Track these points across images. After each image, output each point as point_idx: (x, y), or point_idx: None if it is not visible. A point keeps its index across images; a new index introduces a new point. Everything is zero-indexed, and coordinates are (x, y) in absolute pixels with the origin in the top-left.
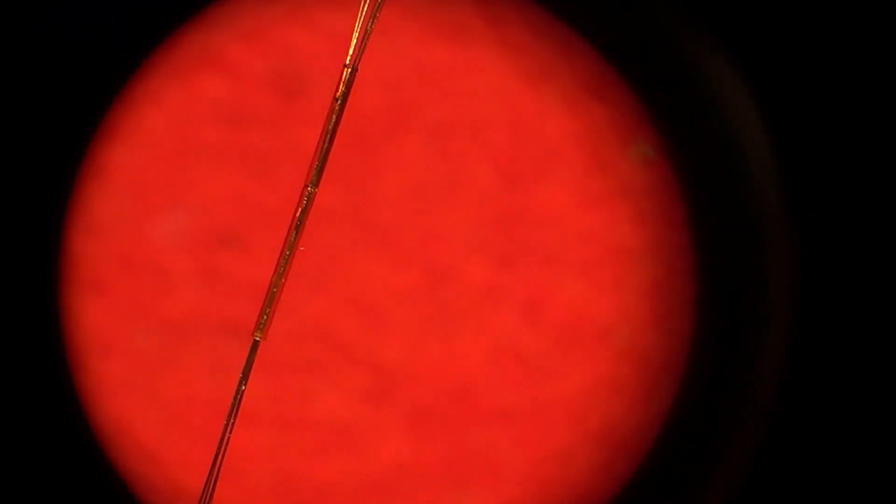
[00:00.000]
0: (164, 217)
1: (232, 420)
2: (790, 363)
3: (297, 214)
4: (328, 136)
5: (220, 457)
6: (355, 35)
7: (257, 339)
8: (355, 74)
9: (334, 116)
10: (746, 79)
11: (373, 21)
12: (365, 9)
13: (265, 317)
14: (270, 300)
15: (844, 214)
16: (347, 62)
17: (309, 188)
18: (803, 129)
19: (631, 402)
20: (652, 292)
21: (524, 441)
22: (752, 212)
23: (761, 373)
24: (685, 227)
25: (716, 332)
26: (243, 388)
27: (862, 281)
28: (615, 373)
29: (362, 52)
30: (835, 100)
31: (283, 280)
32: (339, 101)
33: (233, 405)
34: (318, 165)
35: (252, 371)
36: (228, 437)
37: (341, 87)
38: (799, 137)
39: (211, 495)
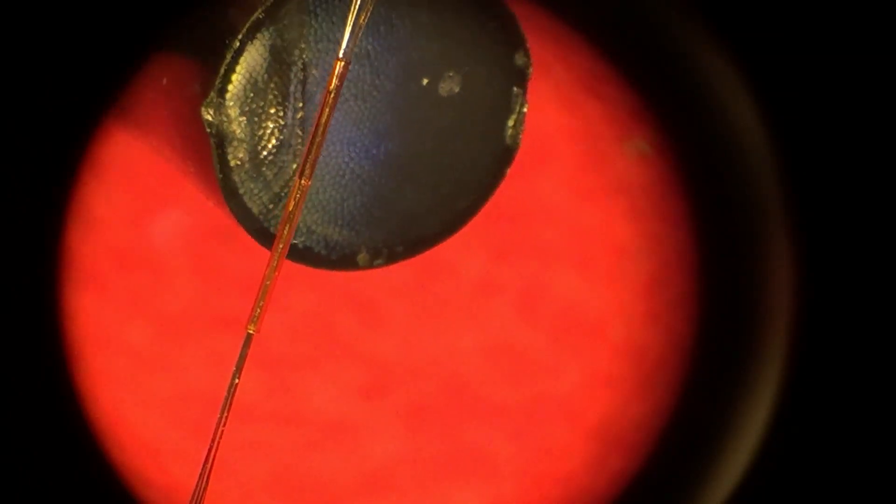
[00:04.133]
0: (161, 212)
1: (225, 414)
2: (790, 359)
3: (290, 208)
4: (321, 128)
5: (212, 451)
6: (348, 28)
7: (251, 332)
8: (348, 68)
9: (327, 109)
10: (744, 74)
11: (366, 15)
12: (358, 2)
13: (258, 310)
14: (264, 294)
15: (844, 210)
16: (340, 55)
17: (301, 181)
18: (802, 125)
19: (627, 398)
20: (648, 288)
21: (520, 437)
22: (751, 207)
23: (760, 369)
24: (682, 222)
25: (714, 329)
26: (236, 381)
27: (863, 278)
28: (611, 369)
29: (355, 46)
30: (835, 97)
31: (277, 274)
32: (332, 95)
33: (226, 399)
34: (310, 158)
35: (247, 366)
36: (222, 431)
37: (334, 81)
38: (798, 133)
39: (204, 490)
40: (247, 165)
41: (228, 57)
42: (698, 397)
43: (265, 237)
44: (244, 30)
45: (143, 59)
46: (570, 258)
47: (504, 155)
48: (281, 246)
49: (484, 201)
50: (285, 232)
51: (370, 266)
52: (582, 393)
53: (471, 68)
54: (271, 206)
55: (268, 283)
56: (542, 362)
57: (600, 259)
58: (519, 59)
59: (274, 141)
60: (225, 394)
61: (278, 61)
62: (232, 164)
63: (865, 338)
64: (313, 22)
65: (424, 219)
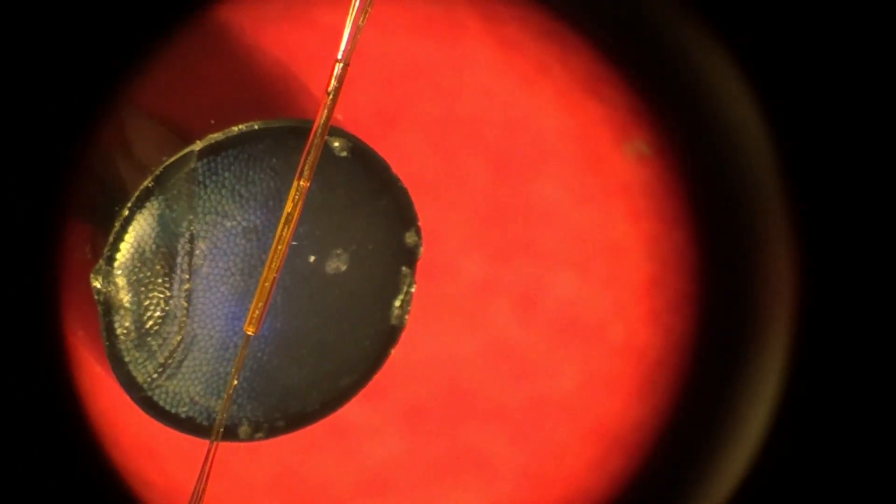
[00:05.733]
0: None
1: (224, 414)
2: (790, 360)
3: (288, 209)
4: (319, 130)
5: (211, 452)
6: (347, 29)
7: (249, 333)
8: (347, 69)
9: (325, 111)
10: (744, 75)
11: (364, 15)
12: (357, 3)
13: (256, 311)
14: (262, 295)
15: (845, 211)
16: (339, 57)
17: (300, 182)
18: (803, 125)
19: (626, 399)
20: (648, 289)
21: (519, 438)
22: (750, 208)
23: (760, 370)
24: (681, 223)
25: (714, 329)
26: (235, 382)
27: (864, 278)
28: (611, 369)
29: (353, 47)
30: (836, 97)
31: (275, 275)
32: (330, 96)
33: (226, 400)
34: (308, 160)
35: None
36: (220, 433)
37: (333, 82)
38: (798, 134)
39: (203, 491)
40: (132, 335)
41: (117, 225)
42: (698, 398)
43: (149, 406)
44: (133, 198)
45: (142, 63)
46: (569, 259)
47: (389, 334)
48: (280, 247)
49: (367, 380)
50: (285, 232)
51: (251, 439)
52: (581, 394)
53: (359, 246)
54: (156, 376)
55: (266, 284)
56: (542, 363)
57: (599, 260)
58: (409, 238)
59: (159, 312)
60: (224, 394)
61: (166, 232)
62: (118, 332)
63: (866, 338)
64: (202, 193)
65: (306, 395)
